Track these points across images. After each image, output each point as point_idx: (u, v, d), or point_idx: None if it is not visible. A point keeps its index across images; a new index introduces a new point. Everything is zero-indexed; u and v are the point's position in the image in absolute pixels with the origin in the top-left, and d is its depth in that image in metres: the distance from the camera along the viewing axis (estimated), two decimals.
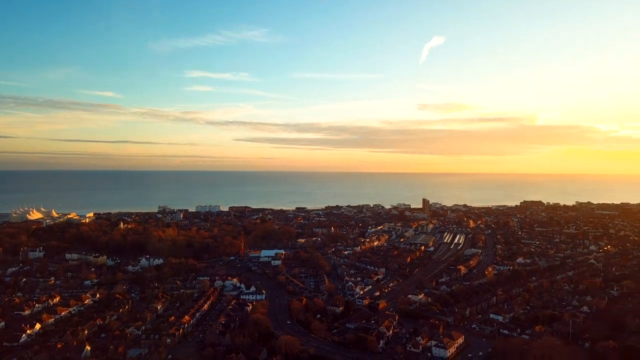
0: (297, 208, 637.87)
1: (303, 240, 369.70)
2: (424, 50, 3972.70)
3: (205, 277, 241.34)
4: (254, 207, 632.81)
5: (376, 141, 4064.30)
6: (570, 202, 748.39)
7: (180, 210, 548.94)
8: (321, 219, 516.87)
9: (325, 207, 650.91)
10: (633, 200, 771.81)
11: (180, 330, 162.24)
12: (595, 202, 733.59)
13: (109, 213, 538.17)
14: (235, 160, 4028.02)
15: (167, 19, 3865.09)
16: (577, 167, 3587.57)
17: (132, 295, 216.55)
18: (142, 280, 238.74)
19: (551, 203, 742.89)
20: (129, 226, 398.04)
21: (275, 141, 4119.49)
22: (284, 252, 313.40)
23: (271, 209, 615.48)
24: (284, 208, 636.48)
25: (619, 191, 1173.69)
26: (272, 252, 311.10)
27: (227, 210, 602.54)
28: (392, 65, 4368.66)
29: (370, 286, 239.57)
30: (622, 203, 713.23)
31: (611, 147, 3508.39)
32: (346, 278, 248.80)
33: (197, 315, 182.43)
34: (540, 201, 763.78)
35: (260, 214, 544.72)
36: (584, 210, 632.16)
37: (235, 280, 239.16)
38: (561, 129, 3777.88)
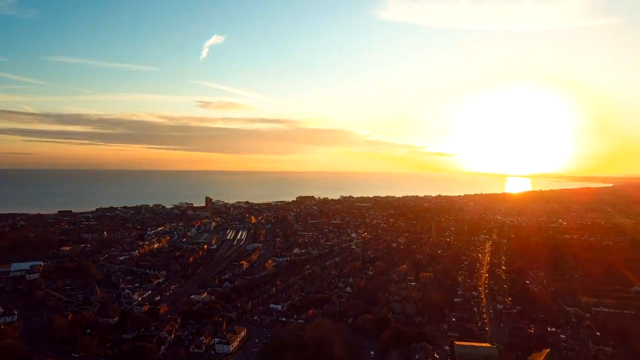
0: (59, 212, 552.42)
1: (68, 248, 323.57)
2: (204, 47, 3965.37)
3: None
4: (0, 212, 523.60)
5: (155, 137, 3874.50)
6: (336, 197, 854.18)
7: None
8: (91, 222, 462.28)
9: (97, 209, 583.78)
10: (382, 193, 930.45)
11: None
12: (355, 196, 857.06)
13: None
14: None
15: None
16: (342, 165, 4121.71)
17: None
18: None
19: (321, 198, 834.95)
20: None
21: (30, 133, 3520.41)
22: (42, 264, 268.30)
23: (25, 214, 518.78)
24: (43, 212, 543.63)
25: (372, 186, 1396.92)
26: (26, 265, 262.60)
27: None
28: (169, 58, 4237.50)
29: (150, 291, 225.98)
30: (374, 196, 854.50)
31: (366, 149, 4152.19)
32: (122, 285, 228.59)
33: None
34: (313, 196, 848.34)
35: (10, 221, 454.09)
36: (347, 203, 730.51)
37: None
38: (330, 132, 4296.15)
